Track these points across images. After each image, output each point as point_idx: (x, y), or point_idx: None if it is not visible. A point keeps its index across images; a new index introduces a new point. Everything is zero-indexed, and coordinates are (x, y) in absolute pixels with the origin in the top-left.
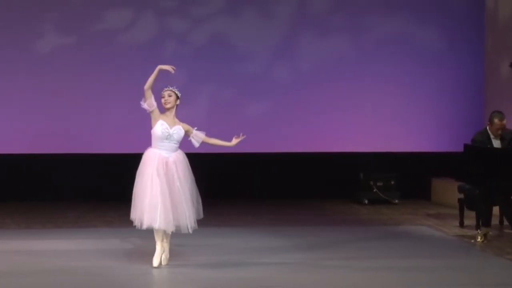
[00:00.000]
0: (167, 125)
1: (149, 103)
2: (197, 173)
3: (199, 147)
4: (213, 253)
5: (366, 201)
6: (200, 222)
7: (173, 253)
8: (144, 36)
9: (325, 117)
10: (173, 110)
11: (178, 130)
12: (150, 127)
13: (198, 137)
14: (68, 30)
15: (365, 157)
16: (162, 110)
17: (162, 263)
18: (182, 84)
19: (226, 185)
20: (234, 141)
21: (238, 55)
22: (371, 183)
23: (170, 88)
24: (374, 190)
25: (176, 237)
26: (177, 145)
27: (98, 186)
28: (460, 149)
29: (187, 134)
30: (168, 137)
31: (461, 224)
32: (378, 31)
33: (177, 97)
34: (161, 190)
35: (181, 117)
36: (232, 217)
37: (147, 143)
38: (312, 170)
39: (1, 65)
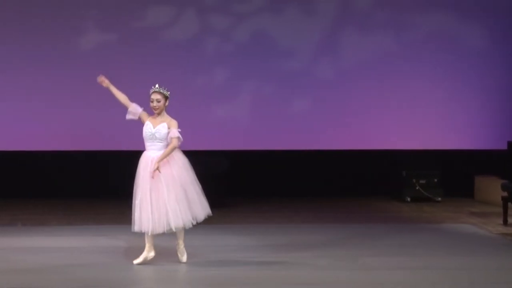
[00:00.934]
0: (151, 125)
1: (131, 112)
2: (242, 172)
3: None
4: (258, 251)
5: (409, 199)
6: (245, 219)
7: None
8: (186, 34)
9: (368, 114)
10: (162, 112)
11: (161, 128)
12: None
13: (169, 137)
14: (109, 27)
15: (408, 155)
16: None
17: (181, 260)
18: (224, 81)
19: (269, 182)
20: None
21: (280, 52)
22: (414, 180)
23: (158, 89)
24: (417, 188)
25: (222, 234)
26: (162, 143)
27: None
28: (504, 147)
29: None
30: (151, 137)
31: (505, 222)
32: (422, 28)
33: (166, 99)
34: (143, 192)
35: (223, 114)
36: (273, 214)
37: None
38: (354, 167)
39: (43, 63)
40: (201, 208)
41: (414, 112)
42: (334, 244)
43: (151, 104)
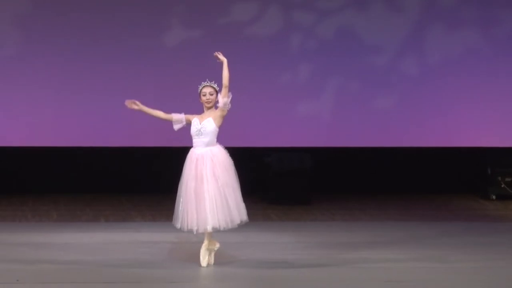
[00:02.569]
0: (198, 121)
1: (177, 121)
2: (325, 168)
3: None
4: (339, 248)
5: (494, 197)
6: (327, 217)
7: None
8: (270, 30)
9: (453, 111)
10: (213, 107)
11: (206, 123)
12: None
13: (221, 97)
14: (194, 23)
15: (494, 152)
16: (200, 109)
17: (201, 264)
18: (308, 78)
19: (353, 179)
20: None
21: (365, 48)
22: (499, 178)
23: (210, 84)
24: (502, 186)
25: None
26: (207, 139)
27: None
28: None
29: (222, 111)
30: (197, 133)
31: None
32: (510, 23)
33: (217, 93)
34: (187, 191)
35: (306, 110)
36: (358, 211)
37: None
38: (438, 164)
39: (128, 58)
40: (238, 213)
41: (501, 108)
42: (420, 242)
43: (204, 98)
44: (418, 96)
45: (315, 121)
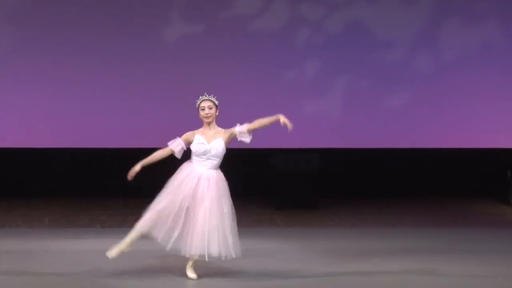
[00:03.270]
0: (204, 140)
1: (179, 152)
2: (334, 171)
3: (318, 142)
4: (348, 256)
5: None
6: (336, 222)
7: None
8: (276, 24)
9: (470, 110)
10: (213, 122)
11: (216, 145)
12: None
13: (243, 133)
14: (196, 17)
15: None
16: (200, 124)
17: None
18: (315, 74)
19: (363, 182)
20: (282, 118)
21: (376, 43)
22: None
23: (208, 97)
24: None
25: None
26: (217, 161)
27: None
28: None
29: (234, 137)
30: (204, 152)
31: None
32: None
33: (216, 107)
34: (177, 205)
35: (314, 109)
36: (369, 217)
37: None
38: (456, 166)
39: (127, 54)
40: (235, 246)
41: None
42: (434, 250)
43: (202, 113)
44: (432, 94)
45: (323, 121)
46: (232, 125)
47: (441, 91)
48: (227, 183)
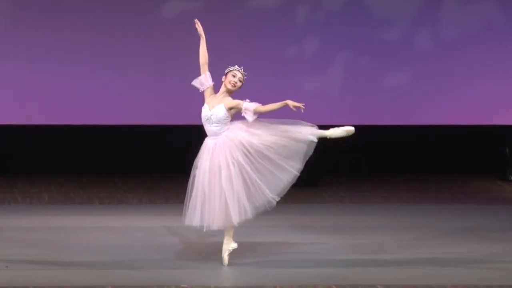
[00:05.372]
0: (207, 108)
1: (201, 81)
2: (334, 149)
3: (318, 119)
4: (348, 232)
5: None
6: (337, 199)
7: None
8: (274, 1)
9: (469, 88)
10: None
11: (217, 110)
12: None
13: (248, 110)
14: None
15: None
16: (217, 88)
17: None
18: (314, 53)
19: (363, 159)
20: (291, 102)
21: (375, 21)
22: None
23: (242, 71)
24: None
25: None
26: (218, 127)
27: None
28: None
29: (239, 110)
30: (207, 120)
31: None
32: None
33: (242, 83)
34: (197, 184)
35: (312, 87)
36: (368, 194)
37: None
38: (454, 144)
39: (125, 32)
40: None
41: None
42: (433, 226)
43: (232, 79)
44: (432, 72)
45: (322, 98)
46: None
47: (440, 68)
48: (232, 147)
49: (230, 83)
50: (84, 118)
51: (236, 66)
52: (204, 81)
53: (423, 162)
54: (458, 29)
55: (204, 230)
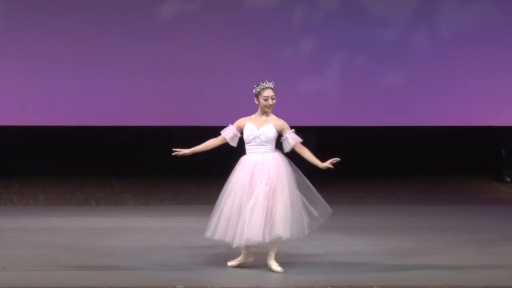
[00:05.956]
0: (254, 127)
1: (231, 139)
2: (330, 149)
3: (314, 119)
4: (342, 232)
5: (509, 179)
6: (334, 200)
7: None
8: (271, 1)
9: (467, 88)
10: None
11: (266, 130)
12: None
13: (288, 143)
14: None
15: (509, 131)
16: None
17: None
18: (311, 52)
19: (360, 160)
20: (327, 163)
21: (372, 21)
22: None
23: (272, 87)
24: None
25: None
26: (266, 147)
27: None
28: None
29: (280, 134)
30: (254, 139)
31: None
32: None
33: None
34: (234, 197)
35: (310, 87)
36: (365, 195)
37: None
38: (451, 145)
39: (122, 32)
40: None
41: None
42: (430, 227)
43: (264, 103)
44: (429, 72)
45: (319, 99)
46: (229, 102)
47: (438, 69)
48: (282, 164)
49: (265, 107)
50: (80, 119)
51: (262, 83)
52: (231, 135)
53: (419, 162)
54: (454, 29)
55: (233, 246)
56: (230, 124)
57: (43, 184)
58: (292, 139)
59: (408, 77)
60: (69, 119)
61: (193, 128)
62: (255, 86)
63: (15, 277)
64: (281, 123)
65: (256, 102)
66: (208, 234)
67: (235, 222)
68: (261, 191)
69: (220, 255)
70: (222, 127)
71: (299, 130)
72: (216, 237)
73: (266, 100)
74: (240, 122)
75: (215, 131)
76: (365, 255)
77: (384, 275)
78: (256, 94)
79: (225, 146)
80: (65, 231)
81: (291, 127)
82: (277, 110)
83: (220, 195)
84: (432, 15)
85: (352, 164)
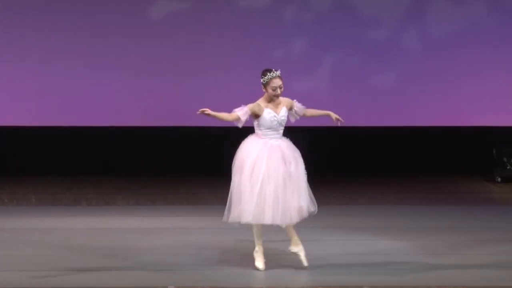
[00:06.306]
0: (273, 112)
1: (244, 116)
2: (322, 149)
3: (305, 120)
4: (332, 233)
5: (499, 179)
6: (324, 201)
7: None
8: (262, 1)
9: (457, 88)
10: None
11: (283, 113)
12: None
13: (298, 112)
14: None
15: (499, 132)
16: (259, 94)
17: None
18: (302, 53)
19: (350, 161)
20: (333, 114)
21: (363, 21)
22: (505, 159)
23: (279, 74)
24: (508, 167)
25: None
26: (282, 129)
27: (210, 161)
28: None
29: (290, 110)
30: (277, 123)
31: None
32: None
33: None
34: (262, 179)
35: (300, 88)
36: (356, 195)
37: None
38: (442, 145)
39: (113, 33)
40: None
41: (507, 85)
42: (420, 227)
43: (274, 92)
44: (419, 73)
45: (310, 99)
46: (219, 102)
47: (428, 69)
48: (296, 149)
49: (273, 96)
50: (71, 119)
51: (269, 74)
52: (245, 116)
53: (410, 163)
54: (445, 29)
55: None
56: (243, 105)
57: (34, 184)
58: (300, 108)
59: (399, 78)
60: (59, 119)
61: (184, 128)
62: (262, 75)
63: (6, 277)
64: (287, 100)
65: (264, 90)
66: (268, 220)
67: (283, 205)
68: (294, 174)
69: (212, 255)
70: (214, 127)
71: (290, 130)
72: (273, 222)
73: (274, 90)
74: (255, 108)
75: (207, 132)
76: (358, 255)
77: (376, 275)
78: (264, 83)
79: (215, 144)
80: (56, 232)
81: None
82: None
83: (251, 183)
84: (422, 16)
85: (343, 164)
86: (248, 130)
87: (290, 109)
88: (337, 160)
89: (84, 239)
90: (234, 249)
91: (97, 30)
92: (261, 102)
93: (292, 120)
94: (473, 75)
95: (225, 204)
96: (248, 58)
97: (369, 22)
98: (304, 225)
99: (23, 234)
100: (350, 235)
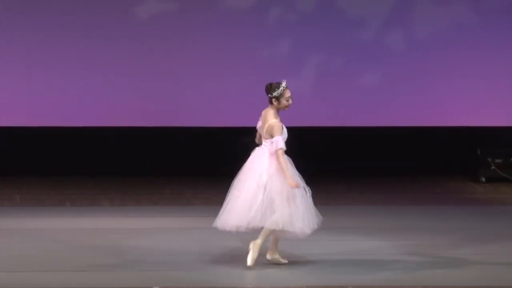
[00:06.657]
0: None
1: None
2: (304, 149)
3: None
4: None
5: (483, 179)
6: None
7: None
8: (247, 1)
9: (442, 88)
10: None
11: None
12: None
13: (275, 145)
14: None
15: (483, 131)
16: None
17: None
18: (287, 53)
19: (334, 161)
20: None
21: (348, 21)
22: (489, 159)
23: (285, 84)
24: (492, 167)
25: None
26: None
27: (194, 161)
28: None
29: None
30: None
31: None
32: None
33: None
34: (270, 188)
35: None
36: (340, 195)
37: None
38: (426, 145)
39: (100, 31)
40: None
41: (491, 86)
42: (404, 227)
43: (286, 103)
44: (404, 73)
45: (295, 99)
46: (205, 103)
47: (413, 69)
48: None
49: (285, 107)
50: (56, 119)
51: (281, 85)
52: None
53: (395, 163)
54: (430, 30)
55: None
56: (278, 136)
57: (18, 184)
58: (276, 147)
59: (384, 78)
60: (44, 119)
61: (170, 129)
62: (272, 88)
63: None
64: (276, 122)
65: (275, 102)
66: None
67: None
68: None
69: (198, 255)
70: (203, 128)
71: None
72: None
73: (288, 100)
74: (281, 127)
75: (193, 132)
76: (342, 255)
77: (361, 275)
78: (278, 96)
79: (201, 145)
80: (40, 232)
81: None
82: (253, 110)
83: (283, 194)
84: (408, 16)
85: (328, 165)
86: (241, 131)
87: (271, 128)
88: (320, 161)
89: (68, 239)
90: (222, 249)
91: (83, 31)
92: (277, 117)
93: (271, 149)
94: (458, 75)
95: (209, 204)
96: (233, 58)
97: (354, 23)
98: None
99: (7, 235)
100: (334, 235)
